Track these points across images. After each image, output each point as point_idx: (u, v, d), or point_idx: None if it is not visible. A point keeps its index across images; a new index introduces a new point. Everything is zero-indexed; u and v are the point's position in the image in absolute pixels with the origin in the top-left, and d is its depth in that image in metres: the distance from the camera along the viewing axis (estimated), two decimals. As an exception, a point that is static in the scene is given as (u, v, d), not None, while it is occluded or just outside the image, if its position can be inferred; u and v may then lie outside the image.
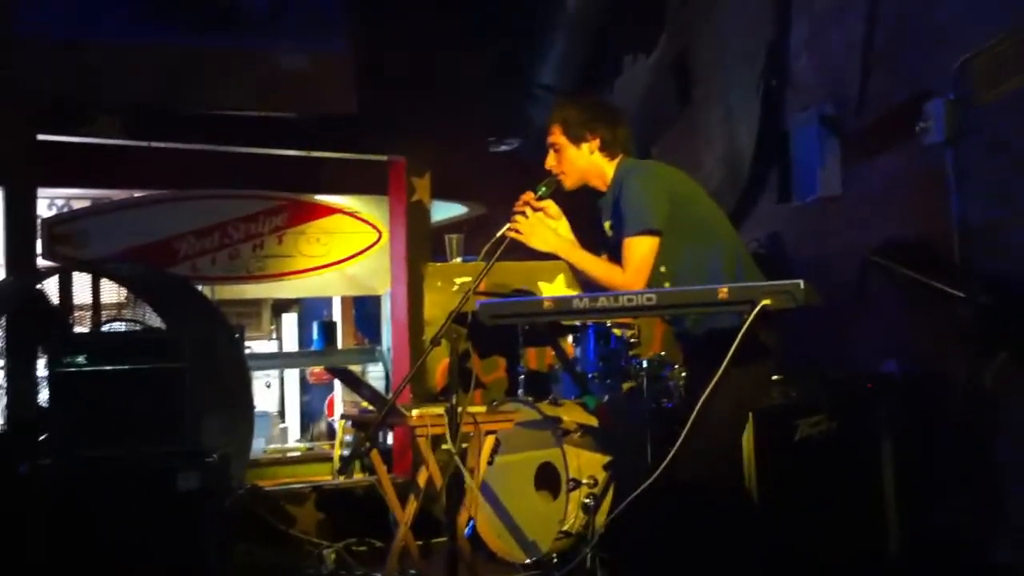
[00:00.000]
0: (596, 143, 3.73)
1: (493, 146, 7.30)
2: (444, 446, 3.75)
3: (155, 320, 4.68)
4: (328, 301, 7.58)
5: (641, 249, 3.50)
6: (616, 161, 3.75)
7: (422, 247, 6.26)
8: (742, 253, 3.69)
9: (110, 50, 5.50)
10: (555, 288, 5.62)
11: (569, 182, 3.78)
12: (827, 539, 4.12)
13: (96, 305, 4.82)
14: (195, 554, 3.73)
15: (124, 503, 3.73)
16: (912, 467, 4.31)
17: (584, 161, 3.75)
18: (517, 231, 3.61)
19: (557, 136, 3.76)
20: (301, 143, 6.15)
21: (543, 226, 3.65)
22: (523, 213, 3.63)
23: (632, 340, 4.83)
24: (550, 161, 3.79)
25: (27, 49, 5.21)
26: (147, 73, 5.55)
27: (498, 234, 3.62)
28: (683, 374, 4.29)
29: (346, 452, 6.23)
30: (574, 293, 4.47)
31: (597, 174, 3.77)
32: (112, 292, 4.98)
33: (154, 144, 5.81)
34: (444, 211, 7.31)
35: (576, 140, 3.73)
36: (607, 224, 3.78)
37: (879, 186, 4.97)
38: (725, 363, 2.99)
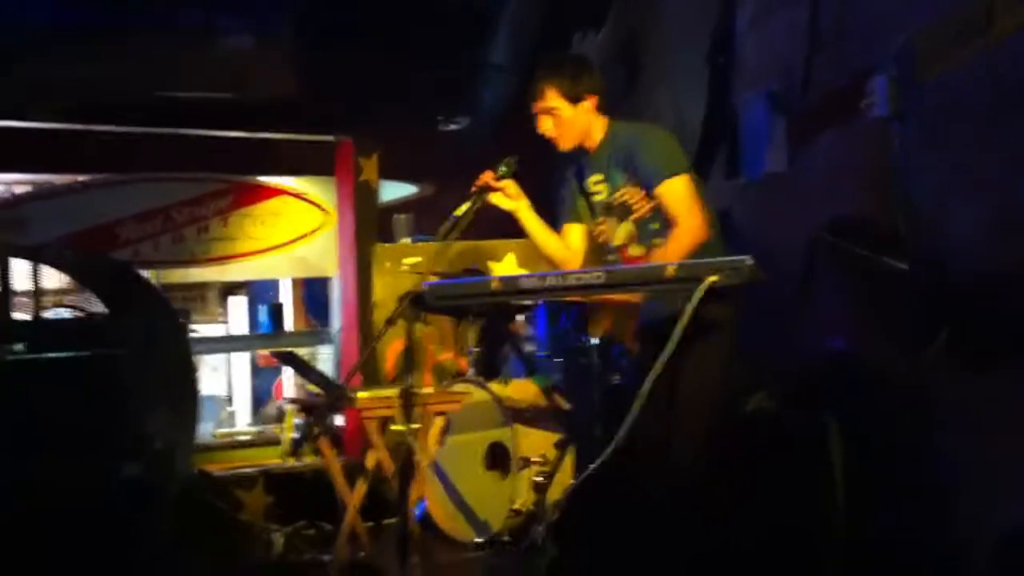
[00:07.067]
0: (595, 100, 3.74)
1: (442, 125, 7.24)
2: (394, 426, 3.72)
3: (98, 306, 4.60)
4: (277, 283, 7.48)
5: (687, 189, 3.61)
6: (606, 119, 3.76)
7: (370, 228, 6.21)
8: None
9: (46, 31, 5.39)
10: (504, 267, 5.58)
11: (566, 144, 3.78)
12: (777, 518, 4.13)
13: (37, 291, 4.74)
14: (141, 542, 3.69)
15: (66, 493, 3.68)
16: (860, 449, 4.31)
17: (583, 119, 3.73)
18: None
19: (553, 99, 3.71)
20: (246, 124, 6.06)
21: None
22: (481, 191, 3.62)
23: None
24: (546, 125, 3.73)
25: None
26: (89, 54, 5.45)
27: (464, 206, 3.59)
28: (635, 351, 4.27)
29: (297, 435, 6.17)
30: (524, 272, 4.45)
31: (587, 133, 3.76)
32: (54, 278, 4.90)
33: (94, 128, 5.71)
34: (393, 191, 7.25)
35: (574, 100, 3.70)
36: (594, 180, 3.77)
37: (826, 162, 4.98)
38: (674, 340, 2.91)
